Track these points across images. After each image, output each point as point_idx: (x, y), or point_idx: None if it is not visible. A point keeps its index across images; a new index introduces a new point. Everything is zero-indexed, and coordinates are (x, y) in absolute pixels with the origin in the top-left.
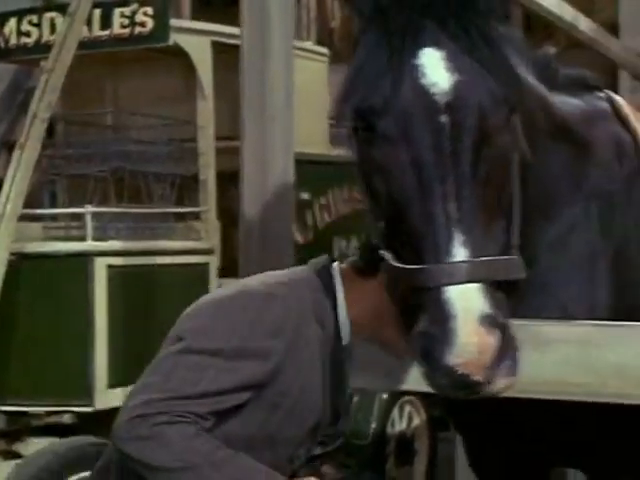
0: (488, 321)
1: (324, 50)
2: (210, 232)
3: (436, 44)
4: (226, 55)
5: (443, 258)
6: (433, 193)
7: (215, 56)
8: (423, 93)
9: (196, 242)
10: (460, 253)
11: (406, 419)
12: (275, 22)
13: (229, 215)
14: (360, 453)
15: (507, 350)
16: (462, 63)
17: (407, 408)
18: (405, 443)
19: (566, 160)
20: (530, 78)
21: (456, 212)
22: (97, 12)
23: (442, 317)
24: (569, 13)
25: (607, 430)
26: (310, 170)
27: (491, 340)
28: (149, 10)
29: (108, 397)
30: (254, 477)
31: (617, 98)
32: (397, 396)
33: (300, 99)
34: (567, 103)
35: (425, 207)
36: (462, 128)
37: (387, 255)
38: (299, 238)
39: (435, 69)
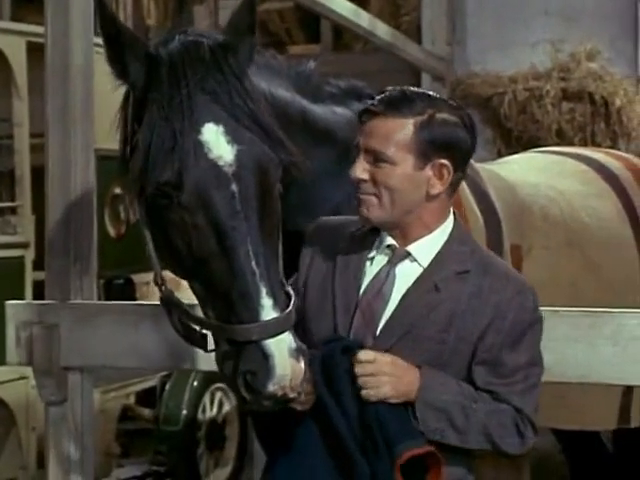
0: (296, 354)
1: None
2: (25, 226)
3: (213, 119)
4: (40, 54)
5: (257, 318)
6: (238, 257)
7: (30, 55)
8: (212, 166)
9: (12, 236)
10: (269, 313)
11: (217, 405)
12: (76, 21)
13: (44, 210)
14: (171, 439)
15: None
16: (238, 134)
17: (218, 395)
18: (216, 429)
19: (328, 164)
20: (290, 94)
21: (260, 272)
22: None
23: (262, 358)
24: (365, 19)
25: None
26: None
27: (300, 366)
28: None
29: None
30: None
31: None
32: (208, 383)
33: (112, 96)
34: (333, 112)
35: (234, 269)
36: (249, 192)
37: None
38: (112, 231)
39: (218, 143)
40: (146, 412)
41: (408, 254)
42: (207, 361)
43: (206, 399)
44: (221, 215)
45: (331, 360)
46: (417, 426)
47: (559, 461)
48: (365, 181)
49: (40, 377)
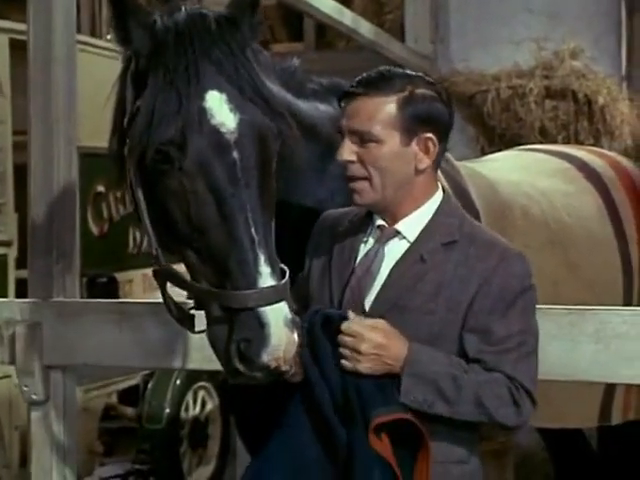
0: (291, 325)
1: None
2: (8, 224)
3: (217, 87)
4: (23, 52)
5: (255, 284)
6: (237, 224)
7: (13, 52)
8: (214, 132)
9: None
10: (267, 280)
11: (200, 404)
12: (58, 18)
13: (27, 208)
14: (154, 437)
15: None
16: (240, 103)
17: (201, 393)
18: (199, 427)
19: (311, 158)
20: (276, 88)
21: (258, 239)
22: None
23: (257, 326)
24: (349, 18)
25: None
26: (105, 163)
27: (294, 338)
28: None
29: None
30: None
31: None
32: (191, 381)
33: (94, 95)
34: (316, 108)
35: (232, 235)
36: (250, 161)
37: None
38: (95, 230)
39: (221, 111)
40: (129, 410)
41: (397, 232)
42: (190, 360)
43: (189, 397)
44: (221, 181)
45: (313, 330)
46: (399, 397)
47: (543, 459)
48: (353, 162)
49: (23, 376)
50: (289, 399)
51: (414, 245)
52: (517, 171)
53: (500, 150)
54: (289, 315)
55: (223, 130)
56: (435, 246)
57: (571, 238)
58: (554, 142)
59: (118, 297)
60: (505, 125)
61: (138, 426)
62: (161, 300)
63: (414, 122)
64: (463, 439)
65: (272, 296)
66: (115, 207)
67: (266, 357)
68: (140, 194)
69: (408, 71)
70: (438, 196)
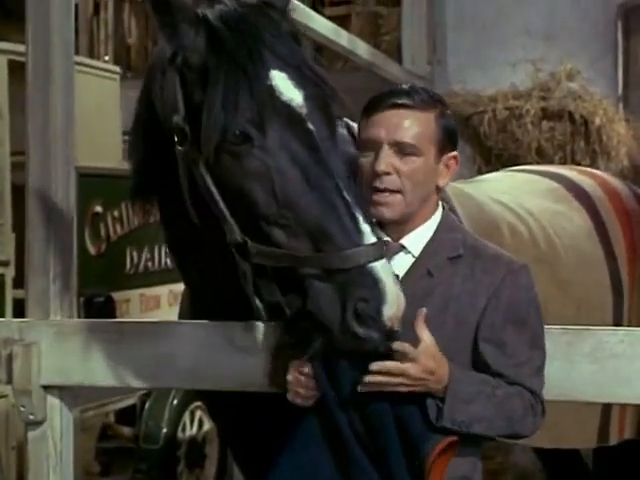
0: (397, 281)
1: (116, 68)
2: (6, 244)
3: (278, 67)
4: (22, 72)
5: (361, 241)
6: (329, 189)
7: (11, 74)
8: (286, 107)
9: None
10: (370, 237)
11: (197, 424)
12: (57, 39)
13: (24, 227)
14: (151, 457)
15: None
16: (301, 80)
17: (198, 413)
18: (196, 447)
19: None
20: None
21: (351, 200)
22: None
23: (372, 284)
24: (346, 38)
25: None
26: (103, 184)
27: (402, 295)
28: None
29: None
30: None
31: (353, 124)
32: (188, 401)
33: (92, 115)
34: None
35: (326, 201)
36: (324, 130)
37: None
38: (92, 249)
39: (288, 87)
40: (126, 430)
41: (402, 247)
42: (187, 380)
43: (186, 417)
44: (304, 151)
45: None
46: (442, 420)
47: (540, 479)
48: (389, 174)
49: (20, 396)
50: (297, 423)
51: (419, 260)
52: (505, 191)
53: (497, 170)
54: (394, 272)
55: (294, 105)
56: (441, 260)
57: (560, 257)
58: (551, 162)
59: (115, 317)
60: (502, 146)
61: (135, 446)
62: (158, 319)
63: (446, 139)
64: (468, 454)
65: (378, 252)
66: (113, 227)
67: (387, 314)
68: (213, 187)
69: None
70: (439, 211)
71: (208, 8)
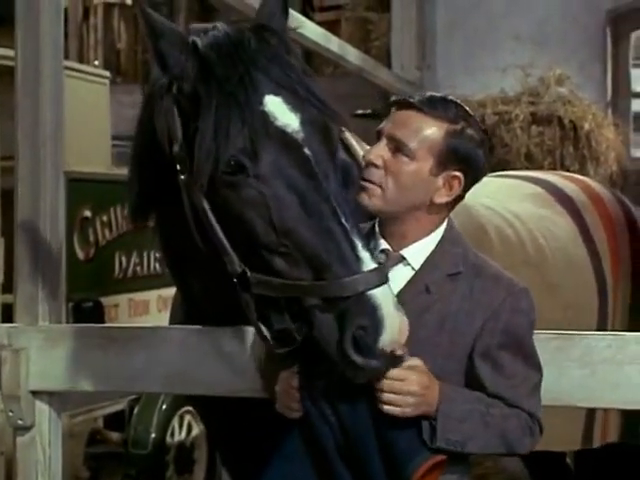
0: (398, 306)
1: (105, 73)
2: None
3: (273, 92)
4: (10, 77)
5: (360, 269)
6: (326, 215)
7: (0, 78)
8: (281, 133)
9: None
10: (369, 264)
11: (186, 429)
12: (46, 44)
13: (13, 232)
14: (140, 462)
15: None
16: (297, 103)
17: (187, 418)
18: (185, 452)
19: None
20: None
21: (350, 226)
22: None
23: (371, 312)
24: (336, 44)
25: None
26: (92, 188)
27: (405, 319)
28: None
29: None
30: None
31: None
32: (177, 406)
33: (81, 120)
34: None
35: (323, 228)
36: (321, 155)
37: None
38: (81, 254)
39: (283, 112)
40: (115, 436)
41: (402, 258)
42: (175, 385)
43: (175, 422)
44: (301, 178)
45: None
46: (435, 441)
47: None
48: (376, 166)
49: (8, 401)
50: (286, 432)
51: (418, 274)
52: (491, 195)
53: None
54: (395, 297)
55: (289, 130)
56: (440, 276)
57: (548, 260)
58: (540, 168)
59: (104, 322)
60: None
61: (124, 451)
62: (147, 325)
63: (451, 156)
64: (457, 459)
65: (377, 278)
66: (101, 232)
67: (384, 341)
68: (211, 216)
69: (466, 106)
70: (444, 225)
71: (201, 35)
